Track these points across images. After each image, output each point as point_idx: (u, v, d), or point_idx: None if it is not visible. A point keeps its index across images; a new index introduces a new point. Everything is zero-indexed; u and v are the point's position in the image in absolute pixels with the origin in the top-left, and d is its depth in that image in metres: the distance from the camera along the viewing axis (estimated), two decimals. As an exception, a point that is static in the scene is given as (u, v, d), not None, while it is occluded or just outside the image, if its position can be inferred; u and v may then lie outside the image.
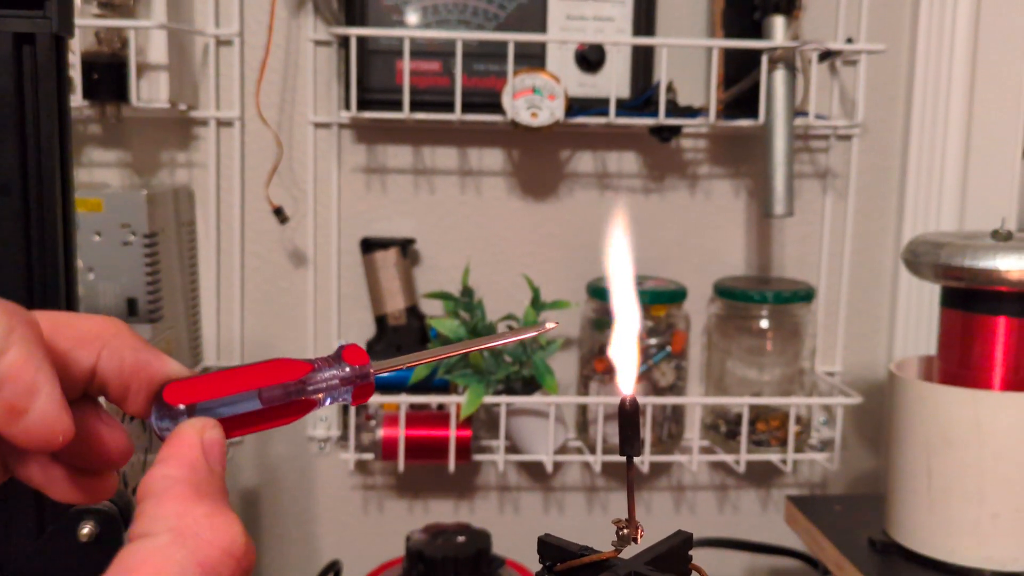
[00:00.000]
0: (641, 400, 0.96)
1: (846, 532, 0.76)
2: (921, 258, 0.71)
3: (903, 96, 1.06)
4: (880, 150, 1.07)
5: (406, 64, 0.90)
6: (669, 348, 0.99)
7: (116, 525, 0.50)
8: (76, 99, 0.85)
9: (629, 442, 0.34)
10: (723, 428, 1.02)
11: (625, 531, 0.35)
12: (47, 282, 0.52)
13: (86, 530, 0.50)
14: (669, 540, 0.38)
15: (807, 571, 0.96)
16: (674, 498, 1.11)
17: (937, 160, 1.05)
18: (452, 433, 0.94)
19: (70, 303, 0.53)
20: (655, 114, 0.94)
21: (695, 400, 1.01)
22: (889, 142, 1.07)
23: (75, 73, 0.84)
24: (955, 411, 0.68)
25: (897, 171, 1.07)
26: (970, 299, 0.70)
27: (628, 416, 0.34)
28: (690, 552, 0.38)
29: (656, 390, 0.99)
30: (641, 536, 0.35)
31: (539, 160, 1.04)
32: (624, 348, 0.35)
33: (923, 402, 0.70)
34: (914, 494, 0.71)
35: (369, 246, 1.00)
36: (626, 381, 0.35)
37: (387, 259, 1.00)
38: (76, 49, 0.85)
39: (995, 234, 0.70)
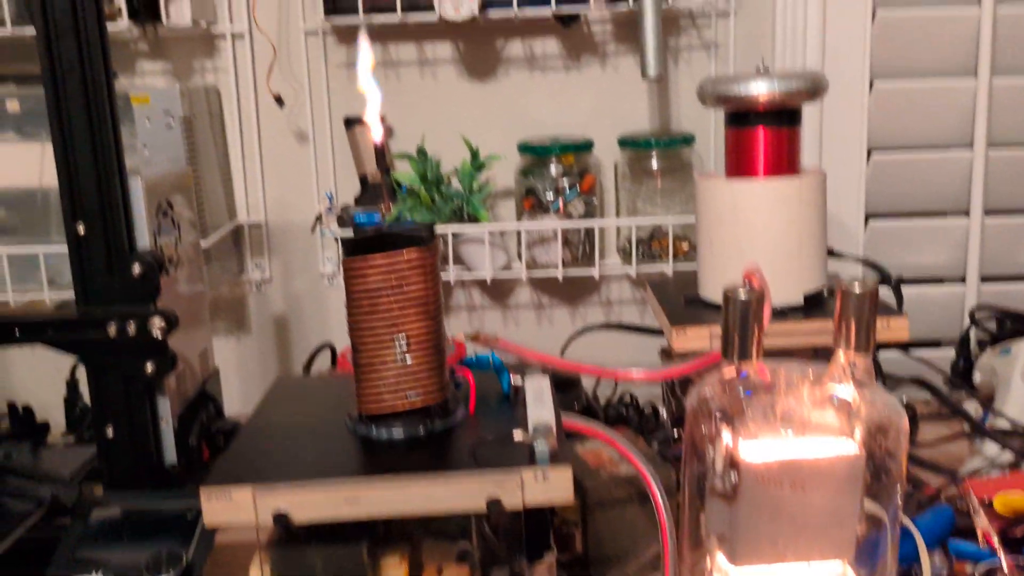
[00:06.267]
0: (557, 225, 1.27)
1: (673, 297, 1.06)
2: (706, 91, 0.99)
3: (770, -22, 1.32)
4: (753, 24, 1.33)
5: (359, -21, 1.21)
6: (578, 187, 1.29)
7: (152, 267, 0.84)
8: (123, 22, 1.18)
9: (380, 162, 0.65)
10: (628, 248, 1.32)
11: (382, 207, 0.66)
12: (103, 130, 0.85)
13: (138, 270, 0.83)
14: (419, 225, 0.69)
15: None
16: (604, 310, 1.42)
17: (800, 32, 1.30)
18: (415, 257, 1.26)
19: (117, 143, 0.86)
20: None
21: (596, 223, 1.30)
22: (761, 17, 1.33)
23: (121, 1, 1.17)
24: (722, 196, 0.97)
25: (768, 40, 1.33)
26: (740, 118, 0.98)
27: (380, 153, 0.65)
28: (435, 231, 0.69)
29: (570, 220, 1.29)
30: (388, 211, 0.67)
31: (481, 49, 1.34)
32: (370, 95, 0.65)
33: (706, 192, 0.99)
34: (704, 258, 1.00)
35: (350, 123, 1.32)
36: (375, 134, 0.66)
37: (365, 132, 1.32)
38: (120, -17, 1.18)
39: (757, 70, 0.98)
